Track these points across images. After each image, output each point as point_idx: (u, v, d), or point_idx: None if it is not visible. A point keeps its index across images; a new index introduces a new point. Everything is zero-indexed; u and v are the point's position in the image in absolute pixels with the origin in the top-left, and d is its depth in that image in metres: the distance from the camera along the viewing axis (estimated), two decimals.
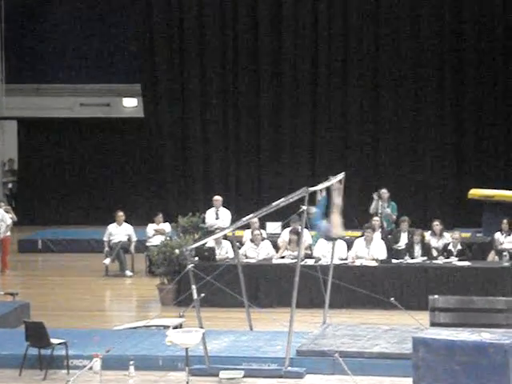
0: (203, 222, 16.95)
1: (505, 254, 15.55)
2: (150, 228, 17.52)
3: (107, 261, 17.35)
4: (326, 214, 11.34)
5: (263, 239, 15.35)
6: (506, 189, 18.54)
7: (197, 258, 14.45)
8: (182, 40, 21.65)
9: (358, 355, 10.41)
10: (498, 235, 16.10)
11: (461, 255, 14.70)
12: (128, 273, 17.32)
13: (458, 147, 20.62)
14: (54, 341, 10.75)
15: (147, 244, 17.30)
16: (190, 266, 10.54)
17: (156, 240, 16.76)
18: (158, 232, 17.30)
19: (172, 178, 21.88)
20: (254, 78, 21.43)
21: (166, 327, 11.74)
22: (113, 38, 22.27)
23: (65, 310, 14.36)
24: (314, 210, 11.25)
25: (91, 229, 20.76)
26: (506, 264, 14.56)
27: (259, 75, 21.38)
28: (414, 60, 20.62)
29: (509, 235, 16.01)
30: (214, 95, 21.64)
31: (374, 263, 14.43)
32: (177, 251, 14.02)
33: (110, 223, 17.87)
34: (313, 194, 11.13)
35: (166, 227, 17.40)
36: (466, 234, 16.88)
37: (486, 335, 8.80)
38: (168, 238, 15.70)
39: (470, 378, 8.50)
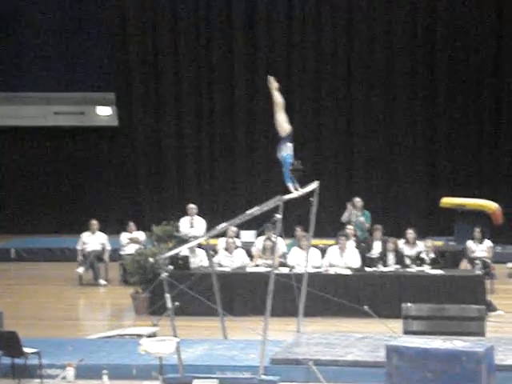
0: (177, 230, 16.94)
1: (477, 262, 15.65)
2: (124, 237, 17.48)
3: (81, 270, 17.28)
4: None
5: (237, 248, 15.36)
6: (478, 197, 18.72)
7: (171, 267, 14.42)
8: (156, 48, 21.66)
9: (332, 363, 10.43)
10: (470, 243, 16.23)
11: (434, 263, 14.78)
12: (102, 282, 17.27)
13: (430, 156, 20.76)
14: (27, 350, 10.68)
15: (121, 253, 17.25)
16: (164, 275, 10.53)
17: (130, 249, 16.73)
18: (131, 241, 17.27)
19: (146, 186, 21.85)
20: (228, 88, 21.47)
21: (140, 336, 11.70)
22: (86, 46, 22.21)
23: (38, 319, 14.29)
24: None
25: (65, 237, 20.68)
26: (478, 272, 14.65)
27: (234, 85, 21.42)
28: (386, 70, 20.76)
29: (481, 243, 16.14)
30: (188, 104, 21.66)
31: (348, 271, 14.48)
32: (151, 260, 14.00)
33: (84, 232, 17.81)
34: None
35: (140, 236, 17.38)
36: (439, 243, 17.00)
37: (458, 343, 8.86)
38: (142, 247, 15.67)
39: None
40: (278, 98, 11.43)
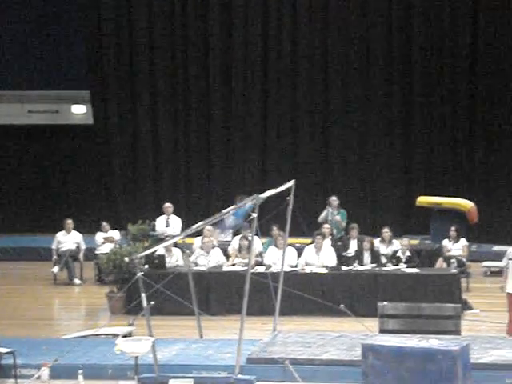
0: (153, 229, 16.90)
1: (452, 260, 15.73)
2: (99, 236, 17.42)
3: (55, 269, 17.18)
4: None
5: (214, 247, 15.33)
6: (454, 196, 18.80)
7: (147, 266, 14.39)
8: (131, 46, 21.58)
9: (308, 362, 10.44)
10: (445, 242, 16.30)
11: (409, 262, 14.83)
12: (77, 281, 17.18)
13: (406, 155, 20.82)
14: (1, 350, 10.61)
15: (96, 252, 17.18)
16: (139, 274, 10.49)
17: (105, 248, 16.67)
18: (107, 240, 17.20)
19: (122, 185, 21.77)
20: (204, 86, 21.43)
21: (116, 336, 11.65)
22: (61, 44, 22.08)
23: (12, 319, 14.19)
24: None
25: (39, 237, 20.56)
26: (454, 271, 14.72)
27: (210, 82, 21.38)
28: (363, 68, 20.79)
29: (456, 242, 16.21)
30: (163, 102, 21.60)
31: (324, 270, 14.49)
32: (126, 259, 13.92)
33: (59, 231, 17.72)
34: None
35: (116, 235, 17.32)
36: (415, 241, 17.06)
37: (434, 342, 8.88)
38: (117, 246, 15.61)
39: None
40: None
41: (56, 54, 22.11)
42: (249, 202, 10.79)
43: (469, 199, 18.40)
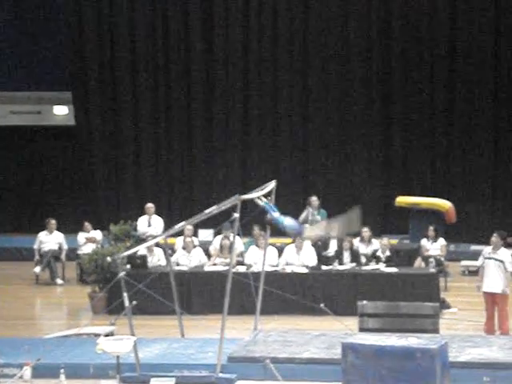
0: (135, 229, 16.93)
1: (431, 260, 15.87)
2: (81, 236, 17.44)
3: (37, 269, 17.20)
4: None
5: (195, 246, 15.39)
6: (432, 196, 18.95)
7: (129, 266, 14.43)
8: (113, 47, 21.58)
9: (289, 361, 10.50)
10: (424, 242, 16.43)
11: (389, 261, 14.94)
12: (59, 281, 17.19)
13: (385, 155, 20.94)
14: None
15: (78, 252, 17.21)
16: (121, 274, 10.52)
17: (87, 248, 16.69)
18: (89, 240, 17.23)
19: (104, 185, 21.77)
20: (185, 87, 21.47)
21: (97, 335, 11.67)
22: (43, 45, 22.03)
23: None
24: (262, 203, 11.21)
25: (21, 237, 20.53)
26: (432, 270, 14.84)
27: (191, 83, 21.42)
28: (342, 72, 20.87)
29: (435, 242, 16.36)
30: (145, 103, 21.62)
31: (305, 270, 14.59)
32: (108, 259, 13.94)
33: (41, 231, 17.72)
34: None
35: (98, 235, 17.34)
36: (394, 241, 17.17)
37: (413, 340, 8.96)
38: (99, 246, 15.63)
39: (398, 382, 8.63)
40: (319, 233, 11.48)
41: (38, 55, 22.07)
42: (259, 202, 10.90)
43: (447, 199, 18.56)
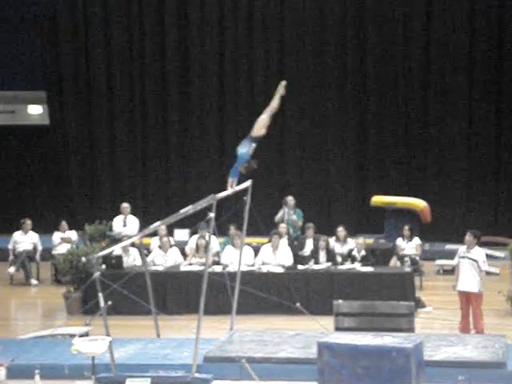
0: (110, 229, 16.88)
1: (406, 259, 15.95)
2: (56, 236, 17.36)
3: (12, 269, 17.11)
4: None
5: (171, 246, 15.37)
6: (407, 196, 19.03)
7: (104, 266, 14.38)
8: (88, 46, 21.51)
9: (265, 360, 10.49)
10: (399, 241, 16.50)
11: (364, 261, 14.99)
12: (33, 281, 17.11)
13: (360, 155, 21.02)
14: None
15: (53, 252, 17.13)
16: (96, 274, 10.47)
17: (62, 248, 16.62)
18: (64, 240, 17.15)
19: (78, 185, 21.69)
20: (161, 85, 21.45)
21: (72, 336, 11.63)
22: (17, 44, 21.92)
23: None
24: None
25: None
26: (408, 269, 14.90)
27: (167, 81, 21.40)
28: (317, 73, 20.94)
29: (410, 241, 16.43)
30: (120, 102, 21.57)
31: (281, 269, 14.60)
32: (83, 259, 13.89)
33: (15, 231, 17.62)
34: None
35: (73, 235, 17.27)
36: (369, 240, 17.23)
37: (388, 339, 8.99)
38: (74, 246, 15.57)
39: (374, 381, 8.66)
40: (275, 103, 11.44)
41: (12, 54, 21.95)
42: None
43: (422, 199, 18.66)
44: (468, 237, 11.97)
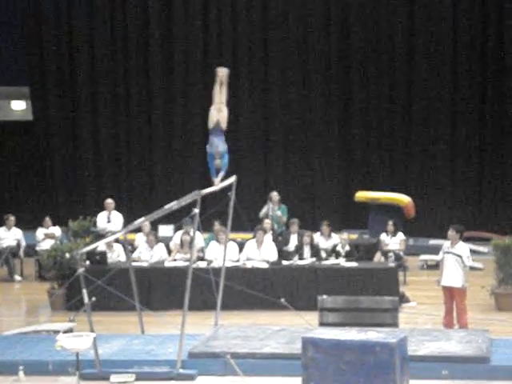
0: (94, 225, 16.84)
1: (390, 254, 16.00)
2: (40, 232, 17.30)
3: None
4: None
5: (157, 242, 15.34)
6: (391, 191, 19.08)
7: (88, 262, 14.35)
8: (71, 41, 21.44)
9: (249, 356, 10.49)
10: (383, 236, 16.54)
11: (348, 256, 15.02)
12: (17, 277, 17.05)
13: (345, 151, 21.05)
14: None
15: (37, 248, 17.07)
16: (80, 270, 10.46)
17: (46, 244, 16.57)
18: (47, 236, 17.10)
19: (62, 181, 21.63)
20: (145, 80, 21.41)
21: (56, 332, 11.59)
22: (0, 39, 21.80)
23: None
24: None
25: None
26: (392, 264, 14.94)
27: (150, 76, 21.35)
28: (302, 68, 20.94)
29: (394, 236, 16.47)
30: (103, 97, 21.51)
31: (265, 265, 14.61)
32: (67, 255, 13.88)
33: None
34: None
35: (56, 231, 17.22)
36: (354, 236, 17.27)
37: (372, 334, 9.00)
38: (58, 242, 15.53)
39: (358, 376, 8.67)
40: (215, 91, 11.51)
41: None
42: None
43: (406, 194, 18.70)
44: (451, 232, 12.00)
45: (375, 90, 20.76)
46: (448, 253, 11.98)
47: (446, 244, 12.12)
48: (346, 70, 20.87)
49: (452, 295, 11.95)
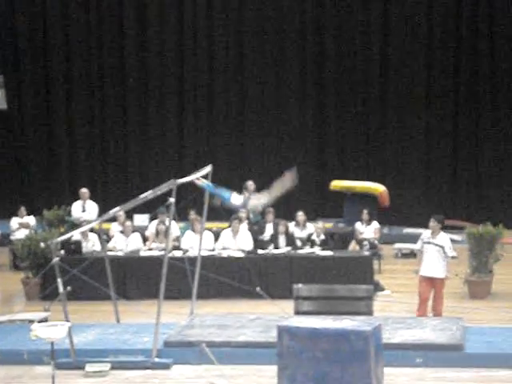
0: (69, 214, 16.76)
1: (365, 243, 16.07)
2: (14, 221, 17.20)
3: None
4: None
5: (133, 231, 15.30)
6: (366, 180, 19.14)
7: (63, 252, 14.30)
8: (46, 30, 21.29)
9: (225, 345, 10.51)
10: (358, 225, 16.60)
11: (324, 245, 15.06)
12: None
13: (320, 140, 21.07)
14: None
15: (11, 237, 16.96)
16: (55, 260, 10.43)
17: (20, 233, 16.47)
18: (22, 225, 17.00)
19: (37, 170, 21.50)
20: (119, 69, 21.29)
21: (31, 321, 11.57)
22: None
23: None
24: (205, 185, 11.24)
25: None
26: (366, 253, 15.00)
27: (125, 64, 21.25)
28: (278, 55, 20.92)
29: (369, 225, 16.54)
30: (78, 86, 21.38)
31: (241, 254, 14.63)
32: (42, 244, 13.81)
33: None
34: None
35: (31, 220, 17.12)
36: (329, 224, 17.31)
37: (347, 322, 9.03)
38: (33, 232, 15.45)
39: (333, 364, 8.68)
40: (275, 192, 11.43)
41: None
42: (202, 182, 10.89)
43: (381, 183, 18.76)
44: (432, 223, 11.96)
45: (351, 79, 20.77)
46: (428, 243, 11.94)
47: (425, 234, 12.09)
48: (321, 59, 20.86)
49: (431, 285, 11.96)
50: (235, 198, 11.13)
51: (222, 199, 11.04)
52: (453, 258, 12.12)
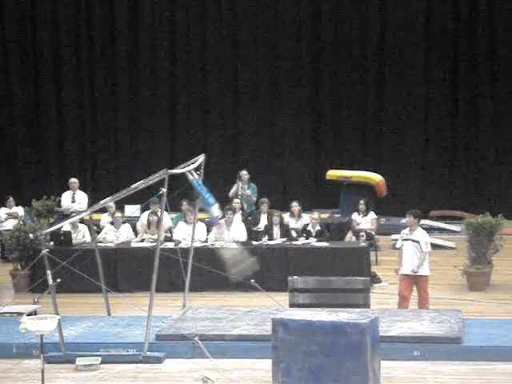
0: (59, 205, 16.60)
1: (362, 234, 15.87)
2: (2, 212, 17.06)
3: None
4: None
5: (124, 222, 15.14)
6: (363, 170, 18.96)
7: (52, 243, 14.13)
8: (34, 12, 21.09)
9: (218, 338, 10.40)
10: (354, 216, 16.44)
11: (319, 236, 14.88)
12: None
13: (315, 129, 20.94)
14: None
15: None
16: (44, 251, 10.30)
17: (8, 224, 16.34)
18: (10, 216, 16.84)
19: (26, 160, 21.31)
20: (110, 56, 21.12)
21: (20, 314, 11.47)
22: None
23: None
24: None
25: None
26: (363, 244, 14.87)
27: (116, 53, 21.09)
28: (272, 45, 20.79)
29: (365, 215, 16.38)
30: (68, 74, 21.18)
31: (235, 245, 14.43)
32: (31, 236, 13.66)
33: None
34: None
35: (19, 211, 16.97)
36: (325, 215, 17.16)
37: (343, 315, 8.94)
38: (21, 222, 15.29)
39: (329, 357, 8.63)
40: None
41: None
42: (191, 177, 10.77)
43: (377, 173, 18.59)
44: (408, 217, 11.69)
45: (347, 67, 20.61)
46: (407, 240, 11.71)
47: (404, 230, 11.84)
48: (317, 48, 20.69)
49: (412, 284, 11.69)
50: (216, 210, 10.98)
51: (204, 202, 10.85)
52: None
